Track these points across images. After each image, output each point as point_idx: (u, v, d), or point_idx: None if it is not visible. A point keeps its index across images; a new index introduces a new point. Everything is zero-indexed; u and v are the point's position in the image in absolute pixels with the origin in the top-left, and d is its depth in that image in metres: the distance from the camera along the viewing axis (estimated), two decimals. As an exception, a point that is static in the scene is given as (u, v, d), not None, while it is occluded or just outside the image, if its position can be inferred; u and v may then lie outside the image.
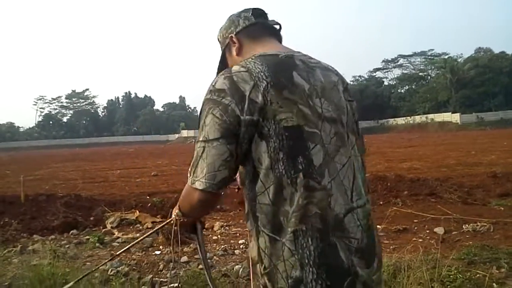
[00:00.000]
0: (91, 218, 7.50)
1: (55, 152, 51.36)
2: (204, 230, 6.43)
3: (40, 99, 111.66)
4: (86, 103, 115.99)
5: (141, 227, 6.89)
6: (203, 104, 1.38)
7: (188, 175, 1.38)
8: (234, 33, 1.58)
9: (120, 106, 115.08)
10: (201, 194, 1.34)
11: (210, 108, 1.33)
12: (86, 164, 22.67)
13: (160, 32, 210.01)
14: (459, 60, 76.65)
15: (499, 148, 19.34)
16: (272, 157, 1.30)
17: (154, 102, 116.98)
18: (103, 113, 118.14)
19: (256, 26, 1.57)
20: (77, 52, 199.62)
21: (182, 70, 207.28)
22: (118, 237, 6.24)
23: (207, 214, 1.47)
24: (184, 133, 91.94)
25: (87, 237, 6.33)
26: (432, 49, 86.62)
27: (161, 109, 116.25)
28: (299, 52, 1.48)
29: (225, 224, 6.88)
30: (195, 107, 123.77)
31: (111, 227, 6.91)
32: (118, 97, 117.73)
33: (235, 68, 1.37)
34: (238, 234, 6.26)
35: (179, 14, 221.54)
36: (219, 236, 6.22)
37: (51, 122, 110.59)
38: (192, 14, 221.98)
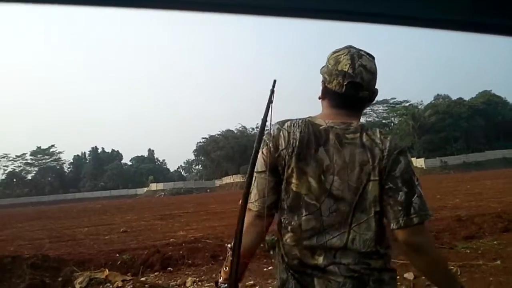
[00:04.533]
0: (59, 279, 7.26)
1: (20, 211, 49.56)
2: (176, 286, 6.41)
3: (3, 157, 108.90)
4: (52, 159, 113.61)
5: (111, 286, 6.74)
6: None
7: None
8: (326, 84, 1.68)
9: (87, 161, 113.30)
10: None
11: (262, 147, 1.67)
12: (53, 222, 21.96)
13: (125, 85, 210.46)
14: (419, 107, 79.53)
15: (463, 191, 19.89)
16: (280, 204, 1.67)
17: (122, 156, 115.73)
18: (69, 169, 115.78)
19: (341, 97, 1.63)
20: (42, 109, 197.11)
21: (150, 123, 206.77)
22: (88, 298, 6.09)
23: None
24: (153, 186, 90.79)
25: (55, 299, 6.14)
26: (394, 98, 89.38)
27: (129, 163, 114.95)
28: (344, 124, 1.61)
29: (197, 279, 6.80)
30: (164, 160, 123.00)
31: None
32: (84, 152, 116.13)
33: (287, 124, 1.68)
34: (211, 289, 6.20)
35: (141, 66, 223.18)
36: (191, 292, 6.14)
37: (14, 180, 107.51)
38: (155, 66, 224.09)
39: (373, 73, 1.63)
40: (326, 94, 1.69)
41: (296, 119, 1.67)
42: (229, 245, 1.64)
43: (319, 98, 1.74)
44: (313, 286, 1.56)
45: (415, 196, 1.54)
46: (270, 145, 1.65)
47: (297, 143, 1.60)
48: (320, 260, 1.55)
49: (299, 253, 1.59)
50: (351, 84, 1.59)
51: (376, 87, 1.68)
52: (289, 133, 1.63)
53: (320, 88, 1.74)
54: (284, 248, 1.64)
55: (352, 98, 1.62)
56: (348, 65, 1.59)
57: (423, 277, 5.72)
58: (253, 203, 1.64)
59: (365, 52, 1.65)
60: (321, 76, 1.72)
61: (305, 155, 1.59)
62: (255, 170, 1.60)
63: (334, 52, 1.67)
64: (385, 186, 1.55)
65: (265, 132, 1.66)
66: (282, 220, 1.65)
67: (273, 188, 1.65)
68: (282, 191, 1.64)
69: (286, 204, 1.63)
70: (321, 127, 1.61)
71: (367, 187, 1.54)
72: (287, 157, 1.61)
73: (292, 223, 1.61)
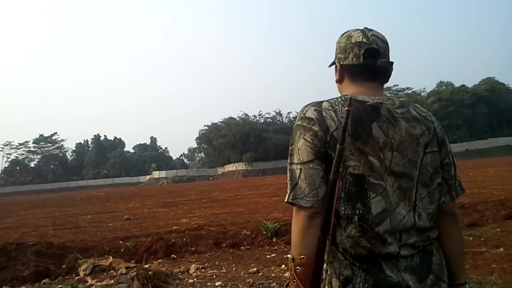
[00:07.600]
0: (63, 266, 7.32)
1: (23, 198, 49.91)
2: (180, 273, 6.45)
3: (6, 145, 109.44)
4: (54, 147, 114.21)
5: (115, 273, 6.78)
6: (293, 129, 1.53)
7: (288, 197, 1.47)
8: (341, 62, 1.64)
9: (89, 149, 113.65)
10: (309, 211, 1.43)
11: (301, 134, 1.49)
12: (56, 209, 22.05)
13: (128, 73, 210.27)
14: (422, 94, 79.36)
15: (466, 179, 19.81)
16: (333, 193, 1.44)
17: (124, 143, 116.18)
18: (72, 157, 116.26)
19: (361, 68, 1.60)
20: (44, 96, 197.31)
21: (153, 111, 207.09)
22: (92, 285, 6.13)
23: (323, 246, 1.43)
24: (156, 174, 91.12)
25: (60, 286, 6.20)
26: (397, 85, 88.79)
27: (132, 151, 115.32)
28: (389, 99, 1.56)
29: (200, 266, 6.83)
30: (166, 148, 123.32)
31: (84, 275, 6.78)
32: (87, 140, 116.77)
33: (325, 105, 1.52)
34: (214, 276, 6.23)
35: (144, 54, 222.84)
36: (195, 279, 6.17)
37: (18, 168, 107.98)
38: (157, 54, 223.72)
39: (386, 42, 1.62)
40: (344, 72, 1.65)
41: (332, 98, 1.55)
42: (289, 256, 1.48)
43: (337, 82, 1.70)
44: (382, 271, 1.45)
45: (456, 169, 1.61)
46: (316, 129, 1.47)
47: (350, 121, 1.45)
48: (392, 247, 1.45)
49: (368, 243, 1.45)
50: (368, 52, 1.56)
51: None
52: (335, 112, 1.49)
53: (336, 70, 1.70)
54: (347, 242, 1.47)
55: (372, 68, 1.58)
56: (361, 36, 1.59)
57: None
58: (303, 199, 1.43)
59: None
60: (335, 62, 1.69)
61: (361, 133, 1.47)
62: (298, 161, 1.47)
63: (343, 34, 1.66)
64: (442, 160, 1.57)
65: (300, 117, 1.54)
66: (339, 211, 1.46)
67: (323, 178, 1.45)
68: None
69: (343, 192, 1.45)
70: (368, 103, 1.52)
71: (425, 160, 1.52)
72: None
73: (357, 211, 1.44)
